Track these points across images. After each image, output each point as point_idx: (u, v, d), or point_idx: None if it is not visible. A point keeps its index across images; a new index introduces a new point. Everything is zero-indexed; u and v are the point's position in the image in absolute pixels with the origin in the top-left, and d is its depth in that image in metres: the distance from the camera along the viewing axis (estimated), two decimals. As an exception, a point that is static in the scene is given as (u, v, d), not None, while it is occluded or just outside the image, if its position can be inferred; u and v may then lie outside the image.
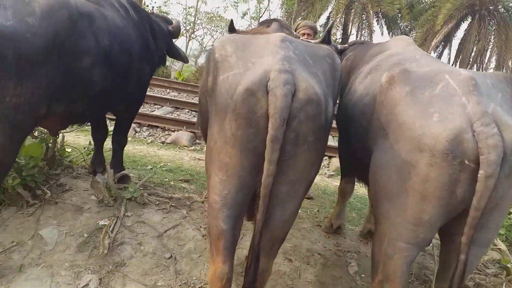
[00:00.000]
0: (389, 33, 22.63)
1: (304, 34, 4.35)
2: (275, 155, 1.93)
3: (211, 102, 2.30)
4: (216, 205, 2.11)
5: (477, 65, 20.80)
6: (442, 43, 19.90)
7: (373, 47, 3.46)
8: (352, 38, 21.46)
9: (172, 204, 3.68)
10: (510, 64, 19.88)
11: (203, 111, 2.65)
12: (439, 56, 21.13)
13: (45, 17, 2.41)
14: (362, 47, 3.77)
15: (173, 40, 4.35)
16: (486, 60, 19.86)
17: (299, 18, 21.58)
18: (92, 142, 4.09)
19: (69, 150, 4.29)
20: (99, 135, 3.92)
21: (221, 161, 2.07)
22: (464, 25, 20.10)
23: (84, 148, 4.43)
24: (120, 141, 3.86)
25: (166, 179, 4.53)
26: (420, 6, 20.22)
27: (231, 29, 3.78)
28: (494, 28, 19.57)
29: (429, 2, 20.40)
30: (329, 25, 4.98)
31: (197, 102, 10.11)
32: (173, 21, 4.36)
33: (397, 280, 2.13)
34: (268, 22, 3.41)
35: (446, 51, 21.12)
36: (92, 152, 4.15)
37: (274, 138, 1.90)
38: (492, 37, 20.14)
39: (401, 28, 21.96)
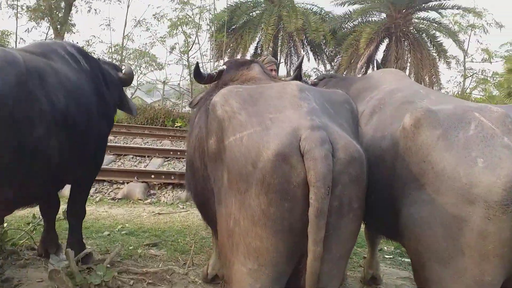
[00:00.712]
0: (315, 59, 23.54)
1: (271, 70, 4.08)
2: (321, 233, 1.55)
3: (215, 169, 1.89)
4: (247, 304, 1.66)
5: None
6: (365, 64, 20.98)
7: (355, 82, 3.25)
8: (281, 66, 21.92)
9: (150, 281, 3.11)
10: (427, 79, 21.47)
11: (198, 176, 2.20)
12: (364, 77, 22.29)
13: None
14: (339, 82, 3.55)
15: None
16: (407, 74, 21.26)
17: (228, 50, 21.66)
18: (40, 217, 3.41)
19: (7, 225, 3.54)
20: (50, 210, 3.24)
21: (248, 247, 1.64)
22: (383, 47, 21.52)
23: (28, 223, 3.69)
24: (78, 213, 3.24)
25: (131, 247, 3.91)
26: (342, 31, 21.25)
27: (197, 74, 3.39)
28: (409, 48, 21.10)
29: (349, 27, 21.54)
30: (298, 61, 4.77)
31: (139, 146, 9.58)
32: (124, 67, 3.86)
33: None
34: (247, 64, 3.06)
35: (369, 71, 22.28)
36: (39, 228, 3.46)
37: (319, 211, 1.53)
38: (408, 56, 21.70)
39: (327, 53, 22.92)
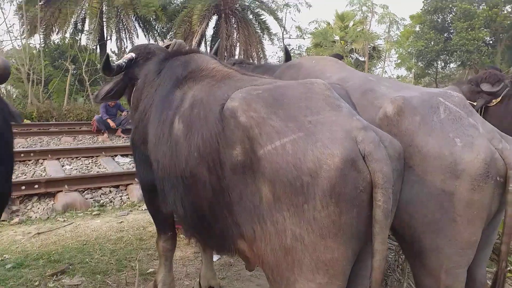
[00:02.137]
0: (145, 36, 22.52)
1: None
2: (386, 232, 1.59)
3: (243, 182, 1.71)
4: (317, 321, 1.59)
5: (227, 58, 23.14)
6: (199, 41, 21.14)
7: (282, 71, 3.25)
8: (110, 44, 20.31)
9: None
10: (255, 55, 22.98)
11: (199, 189, 1.93)
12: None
13: None
14: (255, 70, 3.51)
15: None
16: (237, 54, 22.30)
17: (43, 23, 18.87)
18: None
19: None
20: None
21: (317, 261, 1.56)
22: (213, 23, 22.02)
23: None
24: None
25: (35, 282, 3.21)
26: (172, 7, 20.80)
27: (107, 67, 2.95)
28: (237, 25, 22.10)
29: (180, 3, 21.22)
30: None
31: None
32: (-3, 60, 3.02)
33: (461, 307, 2.14)
34: (183, 54, 2.76)
35: (202, 48, 22.53)
36: None
37: (387, 211, 1.55)
38: (236, 33, 22.75)
39: (158, 30, 22.16)
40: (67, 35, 20.76)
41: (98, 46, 20.80)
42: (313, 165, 1.52)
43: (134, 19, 21.11)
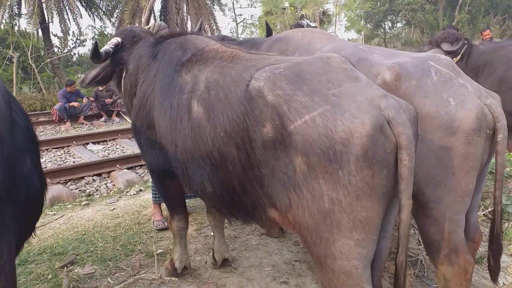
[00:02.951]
0: (90, 16, 21.44)
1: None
2: (411, 188, 1.79)
3: (275, 157, 1.85)
4: (358, 271, 1.80)
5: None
6: (148, 17, 20.41)
7: (269, 44, 3.34)
8: (55, 26, 19.19)
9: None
10: (207, 28, 22.56)
11: (227, 167, 2.04)
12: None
13: None
14: (245, 44, 3.57)
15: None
16: (189, 27, 21.80)
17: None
18: None
19: None
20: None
21: (354, 220, 1.74)
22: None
23: None
24: None
25: (49, 275, 3.23)
26: (114, -18, 19.88)
27: (96, 54, 2.95)
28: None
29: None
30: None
31: None
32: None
33: (463, 248, 2.42)
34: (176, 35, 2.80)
35: (152, 23, 21.82)
36: None
37: (411, 169, 1.75)
38: (186, 7, 22.15)
39: (103, 8, 21.12)
40: (4, 20, 19.38)
41: (39, 30, 19.60)
42: (344, 134, 1.67)
43: (76, -1, 19.95)
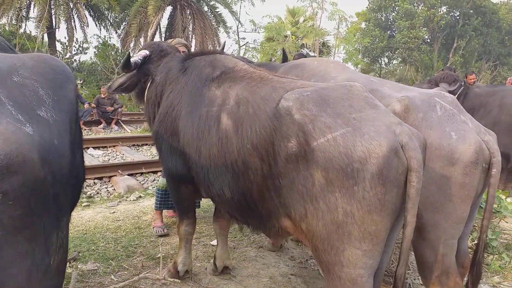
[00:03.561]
0: (97, 25, 21.78)
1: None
2: (416, 207, 1.98)
3: (296, 170, 2.04)
4: (363, 279, 1.97)
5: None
6: (155, 32, 20.78)
7: (286, 70, 3.58)
8: (61, 32, 19.42)
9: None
10: (211, 48, 23.00)
11: (250, 176, 2.22)
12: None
13: None
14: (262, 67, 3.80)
15: None
16: (193, 46, 22.22)
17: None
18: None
19: None
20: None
21: (364, 232, 1.92)
22: (167, 15, 21.70)
23: None
24: None
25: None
26: (126, -4, 20.29)
27: (127, 65, 3.15)
28: (191, 17, 21.97)
29: (133, -7, 20.74)
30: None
31: None
32: None
33: (454, 271, 2.60)
34: (207, 54, 3.03)
35: (157, 38, 22.19)
36: None
37: (418, 190, 1.95)
38: (191, 25, 22.63)
39: (111, 19, 21.49)
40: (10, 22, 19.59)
41: (45, 35, 19.85)
42: (362, 153, 1.87)
43: (84, 7, 20.30)
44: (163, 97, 3.01)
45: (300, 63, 3.62)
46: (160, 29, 21.68)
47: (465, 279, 2.85)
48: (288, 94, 2.14)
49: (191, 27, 21.87)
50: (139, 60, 3.33)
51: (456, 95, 5.88)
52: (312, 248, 2.12)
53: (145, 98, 3.34)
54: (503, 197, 4.42)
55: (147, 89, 3.31)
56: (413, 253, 2.73)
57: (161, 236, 4.17)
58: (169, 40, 4.21)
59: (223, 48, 3.94)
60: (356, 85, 2.18)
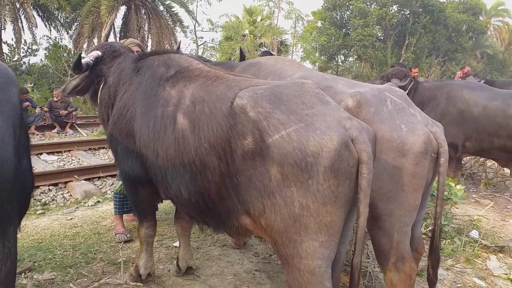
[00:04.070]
0: (46, 26, 20.89)
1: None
2: (368, 198, 2.06)
3: (253, 166, 2.07)
4: (321, 269, 2.03)
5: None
6: (108, 33, 20.21)
7: (243, 69, 3.60)
8: (7, 33, 18.49)
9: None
10: (167, 47, 22.69)
11: (207, 175, 2.22)
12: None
13: None
14: (219, 66, 3.81)
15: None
16: (149, 46, 21.81)
17: None
18: None
19: None
20: None
21: (320, 223, 1.98)
22: (122, 14, 21.19)
23: None
24: None
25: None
26: (76, -4, 19.59)
27: (78, 66, 3.08)
28: (147, 17, 21.59)
29: (84, -8, 20.07)
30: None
31: None
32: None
33: (409, 256, 2.72)
34: (160, 53, 2.98)
35: (112, 39, 21.60)
36: None
37: (369, 181, 2.03)
38: (147, 25, 22.22)
39: (61, 20, 20.66)
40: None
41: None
42: (315, 148, 1.92)
43: (32, 7, 19.43)
44: (116, 98, 2.95)
45: (256, 61, 3.66)
46: (114, 29, 21.16)
47: (424, 264, 2.99)
48: (242, 92, 2.16)
49: (146, 27, 21.52)
50: (91, 61, 3.24)
51: (407, 90, 6.14)
52: (272, 243, 2.16)
53: (98, 100, 3.26)
54: (453, 184, 4.65)
55: (100, 91, 3.24)
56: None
57: (124, 242, 4.08)
58: (122, 40, 4.13)
59: (178, 48, 3.91)
60: (308, 82, 2.24)
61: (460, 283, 3.79)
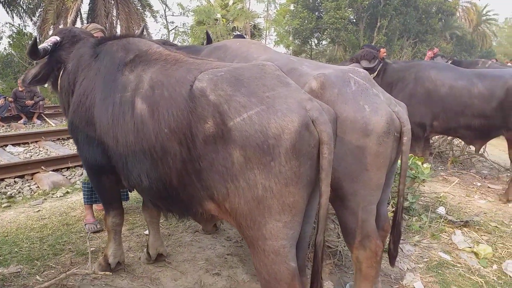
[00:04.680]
0: (8, 12, 19.99)
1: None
2: (330, 178, 2.08)
3: (215, 150, 2.05)
4: (285, 249, 2.05)
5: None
6: (74, 18, 19.54)
7: (209, 52, 3.54)
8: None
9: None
10: (136, 32, 22.16)
11: (169, 161, 2.19)
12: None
13: None
14: (184, 50, 3.74)
15: None
16: (118, 32, 21.23)
17: None
18: None
19: None
20: None
21: (283, 204, 1.99)
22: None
23: None
24: None
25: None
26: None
27: (34, 51, 2.98)
28: (115, 2, 20.93)
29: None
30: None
31: None
32: None
33: (374, 234, 2.78)
34: (118, 39, 2.90)
35: (78, 25, 20.92)
36: None
37: (330, 161, 2.04)
38: (115, 10, 21.57)
39: (24, 6, 19.80)
40: None
41: None
42: (276, 130, 1.92)
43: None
44: (76, 85, 2.86)
45: (222, 45, 3.61)
46: (81, 15, 20.47)
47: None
48: (201, 75, 2.12)
49: (115, 12, 20.89)
50: (49, 47, 3.12)
51: (376, 71, 6.20)
52: (237, 226, 2.16)
53: (58, 87, 3.16)
54: (420, 163, 4.76)
55: (60, 78, 3.13)
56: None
57: (94, 232, 4.02)
58: (84, 25, 3.99)
59: (141, 32, 3.81)
60: (269, 64, 2.22)
61: (427, 258, 3.92)
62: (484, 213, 5.16)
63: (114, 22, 21.11)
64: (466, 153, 7.72)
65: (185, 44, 28.10)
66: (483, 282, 3.55)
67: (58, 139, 8.54)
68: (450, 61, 9.65)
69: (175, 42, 27.74)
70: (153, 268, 3.30)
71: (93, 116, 2.66)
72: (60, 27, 18.58)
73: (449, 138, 7.76)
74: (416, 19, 32.23)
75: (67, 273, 2.90)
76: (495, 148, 8.27)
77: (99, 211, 4.51)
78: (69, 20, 18.16)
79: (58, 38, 3.18)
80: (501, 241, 4.38)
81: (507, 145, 5.65)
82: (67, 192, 5.35)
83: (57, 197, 5.16)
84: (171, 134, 2.15)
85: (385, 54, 6.12)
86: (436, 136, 7.89)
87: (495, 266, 3.86)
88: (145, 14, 22.61)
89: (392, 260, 3.01)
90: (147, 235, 3.86)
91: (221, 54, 3.49)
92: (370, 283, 2.86)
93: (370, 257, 2.75)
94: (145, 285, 3.08)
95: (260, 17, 30.59)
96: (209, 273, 3.27)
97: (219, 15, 28.10)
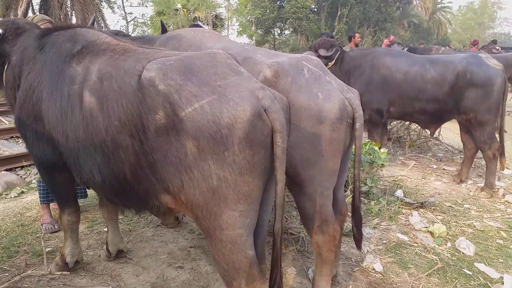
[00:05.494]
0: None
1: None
2: (284, 165, 2.10)
3: (167, 142, 2.03)
4: (242, 238, 2.06)
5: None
6: (25, 10, 18.63)
7: (163, 42, 3.47)
8: None
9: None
10: (94, 25, 21.42)
11: (121, 155, 2.14)
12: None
13: None
14: (138, 41, 3.65)
15: None
16: (74, 22, 20.46)
17: None
18: None
19: None
20: None
21: (238, 194, 2.00)
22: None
23: None
24: None
25: None
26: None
27: None
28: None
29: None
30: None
31: None
32: None
33: (332, 219, 2.84)
34: (66, 29, 2.79)
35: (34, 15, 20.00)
36: None
37: (284, 149, 2.07)
38: (69, 1, 20.76)
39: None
40: None
41: None
42: (229, 120, 1.91)
43: None
44: (21, 80, 2.74)
45: (176, 34, 3.55)
46: (32, 6, 19.55)
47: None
48: (150, 64, 2.08)
49: (69, 3, 20.09)
50: (-7, 39, 2.97)
51: (334, 60, 6.29)
52: (194, 217, 2.15)
53: (3, 82, 3.01)
54: (377, 148, 4.89)
55: (4, 72, 2.98)
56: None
57: (52, 232, 3.89)
58: (31, 17, 3.81)
59: (92, 23, 3.69)
60: (220, 52, 2.20)
61: (386, 240, 4.06)
62: (439, 194, 5.39)
63: (69, 13, 20.30)
64: (422, 137, 8.00)
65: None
66: (438, 259, 3.72)
67: (12, 137, 8.17)
68: (406, 48, 9.92)
69: (135, 34, 27.04)
70: (114, 265, 3.25)
71: (40, 111, 2.56)
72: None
73: (407, 123, 8.01)
74: (375, 7, 32.91)
75: (21, 275, 2.80)
76: (450, 132, 8.61)
77: (56, 210, 4.37)
78: (19, 12, 17.30)
79: (0, 30, 3.02)
80: (454, 219, 4.60)
81: (459, 128, 5.90)
82: (22, 192, 5.14)
83: (11, 197, 4.94)
84: (121, 127, 2.10)
85: (359, 39, 6.18)
86: (395, 122, 8.14)
87: (449, 244, 4.05)
88: (101, 5, 21.92)
89: (358, 243, 3.10)
90: (107, 232, 3.78)
91: (175, 43, 3.44)
92: (330, 267, 2.93)
93: (329, 241, 2.81)
94: (106, 282, 3.02)
95: (222, 7, 30.32)
96: (172, 266, 3.25)
97: (179, 5, 27.58)
